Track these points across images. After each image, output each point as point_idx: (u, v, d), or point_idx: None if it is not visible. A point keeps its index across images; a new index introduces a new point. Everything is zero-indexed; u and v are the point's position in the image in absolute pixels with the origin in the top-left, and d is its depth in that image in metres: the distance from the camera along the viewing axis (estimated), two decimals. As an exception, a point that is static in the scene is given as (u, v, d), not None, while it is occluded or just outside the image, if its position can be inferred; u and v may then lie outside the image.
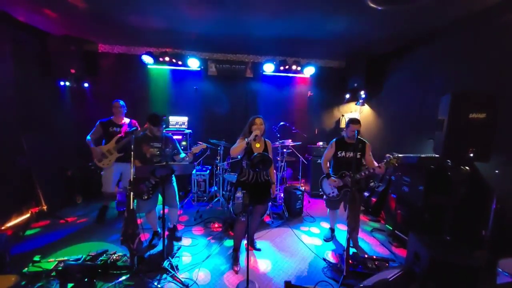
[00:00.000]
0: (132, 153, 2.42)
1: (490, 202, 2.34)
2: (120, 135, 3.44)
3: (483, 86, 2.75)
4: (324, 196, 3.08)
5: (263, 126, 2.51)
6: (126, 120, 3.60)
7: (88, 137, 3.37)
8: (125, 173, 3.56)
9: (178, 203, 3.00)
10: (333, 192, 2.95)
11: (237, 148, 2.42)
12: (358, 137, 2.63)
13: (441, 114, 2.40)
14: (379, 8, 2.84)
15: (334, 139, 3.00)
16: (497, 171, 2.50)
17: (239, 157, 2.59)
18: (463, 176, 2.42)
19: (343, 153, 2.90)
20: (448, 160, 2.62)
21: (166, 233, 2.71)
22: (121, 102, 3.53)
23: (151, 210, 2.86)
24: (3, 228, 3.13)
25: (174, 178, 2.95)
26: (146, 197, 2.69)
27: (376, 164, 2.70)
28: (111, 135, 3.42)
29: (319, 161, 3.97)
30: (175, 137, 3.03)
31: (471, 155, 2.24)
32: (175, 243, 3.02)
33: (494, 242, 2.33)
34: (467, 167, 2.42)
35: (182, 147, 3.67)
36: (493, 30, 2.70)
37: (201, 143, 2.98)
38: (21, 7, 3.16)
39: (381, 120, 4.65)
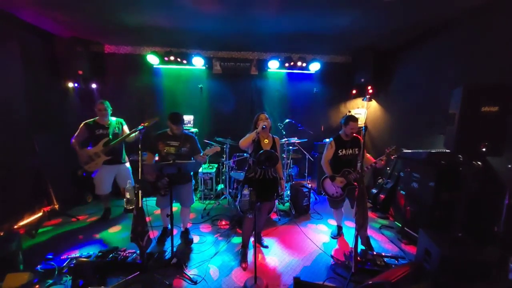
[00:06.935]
0: (139, 152, 2.45)
1: (503, 197, 2.28)
2: (107, 138, 3.31)
3: (496, 78, 2.66)
4: (327, 196, 3.04)
5: (269, 120, 2.54)
6: (112, 120, 3.45)
7: (73, 140, 3.23)
8: (120, 174, 3.59)
9: (193, 201, 3.05)
10: (336, 192, 2.92)
11: (246, 139, 2.46)
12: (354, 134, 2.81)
13: (452, 107, 2.33)
14: None
15: (331, 138, 2.91)
16: (510, 166, 2.42)
17: (245, 155, 2.59)
18: (475, 171, 2.36)
19: (343, 151, 2.86)
20: (460, 155, 2.56)
21: (175, 231, 2.73)
22: (106, 103, 3.37)
23: (168, 206, 2.89)
24: (16, 227, 3.22)
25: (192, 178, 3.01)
26: (163, 193, 2.73)
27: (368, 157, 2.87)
28: (97, 138, 3.28)
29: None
30: None
31: (484, 149, 2.17)
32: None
33: (506, 238, 2.27)
34: (479, 162, 2.35)
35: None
36: (507, 19, 2.61)
37: (215, 144, 2.97)
38: (28, 10, 3.20)
39: (389, 116, 4.57)
